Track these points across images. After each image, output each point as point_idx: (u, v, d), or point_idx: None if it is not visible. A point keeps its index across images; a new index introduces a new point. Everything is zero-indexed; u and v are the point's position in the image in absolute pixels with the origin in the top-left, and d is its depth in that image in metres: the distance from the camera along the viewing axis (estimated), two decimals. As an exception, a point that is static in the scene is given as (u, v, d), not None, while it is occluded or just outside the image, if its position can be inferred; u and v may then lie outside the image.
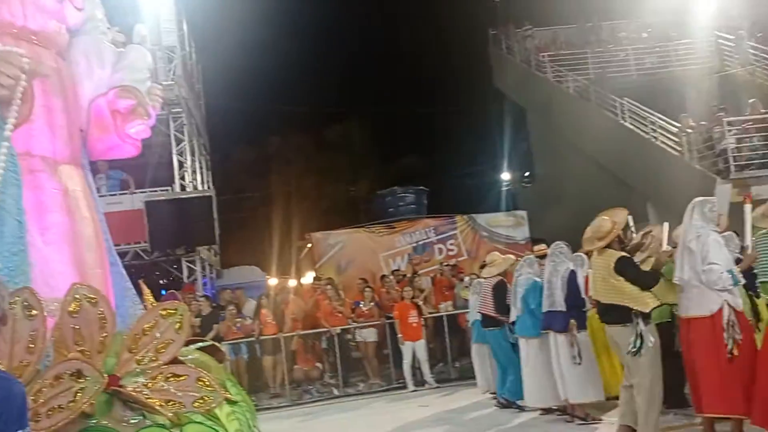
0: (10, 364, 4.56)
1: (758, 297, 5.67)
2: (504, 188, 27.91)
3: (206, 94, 19.91)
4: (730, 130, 13.28)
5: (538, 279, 7.13)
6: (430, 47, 27.48)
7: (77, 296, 5.19)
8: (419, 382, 10.68)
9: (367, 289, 11.62)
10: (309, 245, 16.20)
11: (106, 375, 4.80)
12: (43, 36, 6.77)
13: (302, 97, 27.31)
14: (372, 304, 11.37)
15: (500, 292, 7.84)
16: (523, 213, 16.52)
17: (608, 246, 5.84)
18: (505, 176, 28.10)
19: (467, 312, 10.12)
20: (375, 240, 15.54)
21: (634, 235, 6.80)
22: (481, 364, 9.04)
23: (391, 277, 12.21)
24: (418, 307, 10.78)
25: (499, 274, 8.18)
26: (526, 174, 26.59)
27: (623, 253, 5.85)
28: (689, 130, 14.13)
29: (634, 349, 5.49)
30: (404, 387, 10.48)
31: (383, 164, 27.64)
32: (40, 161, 6.22)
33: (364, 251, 15.24)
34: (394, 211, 17.74)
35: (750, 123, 13.74)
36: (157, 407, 4.94)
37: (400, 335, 10.32)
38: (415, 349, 10.51)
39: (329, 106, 27.99)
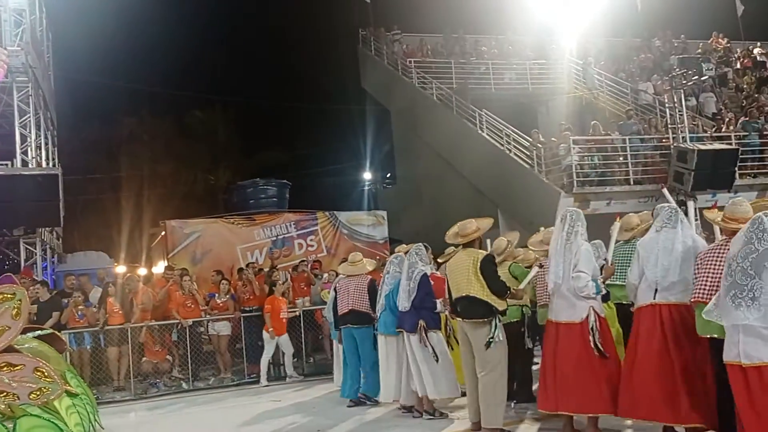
0: None
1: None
2: (366, 187, 28.41)
3: (56, 65, 18.56)
4: (574, 148, 14.39)
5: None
6: (302, 42, 27.39)
7: None
8: (278, 377, 10.62)
9: (224, 281, 11.35)
10: (162, 233, 15.53)
11: None
12: None
13: (164, 79, 26.18)
14: (227, 296, 11.13)
15: (374, 290, 7.98)
16: (383, 213, 16.88)
17: (470, 245, 6.17)
18: (367, 176, 28.61)
19: (323, 308, 10.22)
20: (234, 231, 15.22)
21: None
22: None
23: (249, 270, 12.01)
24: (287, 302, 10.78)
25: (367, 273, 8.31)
26: (388, 175, 27.24)
27: (488, 253, 6.22)
28: (539, 145, 15.15)
29: (487, 342, 5.85)
30: (257, 382, 10.35)
31: (246, 155, 27.11)
32: None
33: (222, 242, 14.89)
34: (255, 203, 17.49)
35: (592, 142, 14.99)
36: None
37: (271, 329, 10.14)
38: (280, 344, 10.42)
39: (193, 91, 27.04)
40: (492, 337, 5.87)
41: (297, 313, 11.08)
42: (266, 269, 13.12)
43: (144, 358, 10.47)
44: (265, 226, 15.42)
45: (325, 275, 12.24)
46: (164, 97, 25.85)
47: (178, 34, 26.29)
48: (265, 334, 10.26)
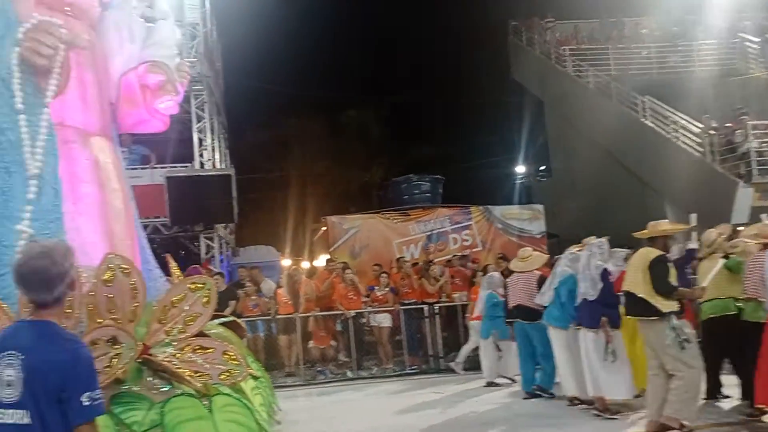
0: None
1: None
2: (519, 181, 27.86)
3: (225, 72, 19.95)
4: (753, 133, 13.20)
5: (573, 273, 7.17)
6: (451, 37, 27.37)
7: (111, 266, 5.30)
8: (438, 369, 10.75)
9: (383, 274, 11.67)
10: (323, 228, 16.25)
11: (140, 343, 4.90)
12: (77, 7, 6.81)
13: (321, 81, 27.30)
14: (387, 289, 11.43)
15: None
16: (539, 207, 16.48)
17: (653, 242, 6.02)
18: (521, 169, 28.05)
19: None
20: (389, 226, 15.57)
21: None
22: (489, 355, 9.19)
23: (408, 261, 12.24)
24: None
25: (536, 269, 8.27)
26: (542, 168, 26.54)
27: (661, 254, 5.94)
28: (711, 132, 14.05)
29: (678, 342, 5.59)
30: (418, 373, 10.57)
31: (399, 152, 27.62)
32: (73, 132, 6.28)
33: (378, 237, 15.29)
34: (408, 199, 17.76)
35: (774, 127, 13.68)
36: (187, 377, 5.03)
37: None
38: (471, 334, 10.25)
39: (348, 91, 28.01)
40: (677, 337, 5.60)
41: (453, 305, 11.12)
42: (421, 263, 13.31)
43: (311, 344, 11.02)
44: (420, 221, 15.62)
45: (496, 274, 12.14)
46: (321, 99, 26.99)
47: (332, 36, 27.35)
48: (474, 324, 9.94)
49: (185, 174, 13.15)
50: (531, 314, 7.94)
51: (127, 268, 5.34)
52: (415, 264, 12.99)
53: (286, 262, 16.81)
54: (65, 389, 2.37)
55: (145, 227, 13.04)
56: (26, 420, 2.36)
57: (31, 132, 5.27)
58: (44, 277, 2.46)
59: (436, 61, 28.76)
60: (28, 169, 5.21)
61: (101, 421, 2.60)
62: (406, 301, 11.35)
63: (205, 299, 5.71)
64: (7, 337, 2.49)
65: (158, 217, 13.09)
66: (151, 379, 5.03)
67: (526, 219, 15.86)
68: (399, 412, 7.96)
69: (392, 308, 11.23)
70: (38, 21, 5.46)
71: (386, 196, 19.80)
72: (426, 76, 27.66)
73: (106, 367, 4.49)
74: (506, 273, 9.26)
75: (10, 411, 2.36)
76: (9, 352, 2.40)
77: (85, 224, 5.87)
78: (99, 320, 5.01)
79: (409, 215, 15.85)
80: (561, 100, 20.12)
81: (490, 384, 9.13)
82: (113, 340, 4.67)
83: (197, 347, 5.46)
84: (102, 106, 6.78)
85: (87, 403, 2.39)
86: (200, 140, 14.30)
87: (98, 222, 6.06)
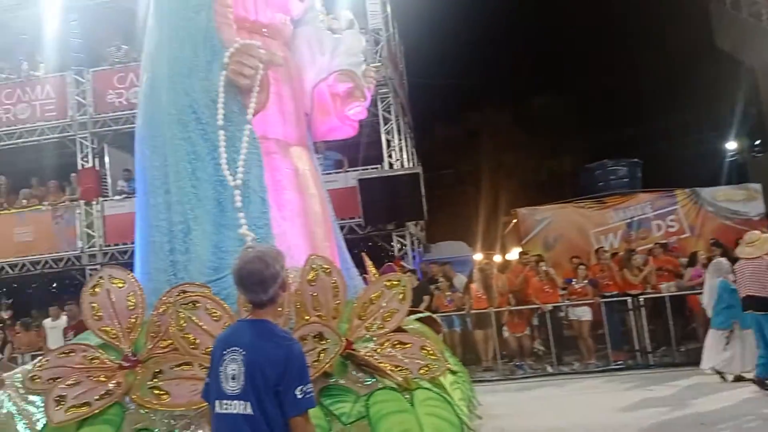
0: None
1: None
2: (729, 159, 25.21)
3: (408, 72, 20.34)
4: None
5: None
6: (642, 8, 25.48)
7: (314, 266, 5.62)
8: (646, 365, 10.09)
9: (581, 266, 11.19)
10: (514, 221, 15.97)
11: (344, 338, 5.14)
12: (272, 28, 7.32)
13: (504, 71, 26.81)
14: (585, 281, 10.94)
15: None
16: (756, 186, 14.81)
17: None
18: (731, 145, 25.35)
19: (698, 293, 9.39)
20: (584, 216, 14.90)
21: None
22: (715, 345, 8.44)
23: (607, 252, 11.62)
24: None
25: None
26: (757, 142, 23.83)
27: None
28: None
29: None
30: (623, 369, 9.99)
31: (590, 137, 26.33)
32: (274, 144, 6.78)
33: (573, 227, 14.70)
34: (604, 185, 16.87)
35: None
36: (389, 371, 5.19)
37: None
38: None
39: (530, 79, 27.26)
40: None
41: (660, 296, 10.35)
42: (621, 253, 12.56)
43: (506, 333, 10.85)
44: (618, 208, 14.77)
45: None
46: (503, 89, 26.53)
47: (512, 24, 26.71)
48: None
49: (376, 175, 13.63)
50: (762, 304, 7.25)
51: (328, 268, 5.65)
52: (614, 254, 12.29)
53: (477, 257, 16.77)
54: (281, 383, 2.55)
55: (341, 228, 13.78)
56: (249, 410, 2.56)
57: (232, 146, 5.80)
58: (259, 279, 2.68)
59: (627, 35, 26.92)
60: (229, 181, 5.66)
61: (312, 412, 2.76)
62: (607, 294, 10.77)
63: (400, 296, 5.87)
64: (230, 335, 2.75)
65: (353, 218, 13.71)
66: (355, 372, 5.26)
67: (741, 200, 14.34)
68: (608, 409, 7.57)
69: (592, 301, 10.72)
70: (240, 45, 5.97)
71: (579, 184, 18.97)
72: (616, 53, 25.95)
73: (315, 361, 4.77)
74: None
75: (235, 402, 2.58)
76: (232, 348, 2.64)
77: (289, 229, 6.32)
78: (306, 317, 5.35)
79: (605, 203, 15.06)
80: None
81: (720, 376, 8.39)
82: (319, 336, 4.94)
83: (396, 342, 5.63)
84: (299, 117, 7.26)
85: (300, 396, 2.56)
86: (388, 141, 14.72)
87: (300, 226, 6.50)
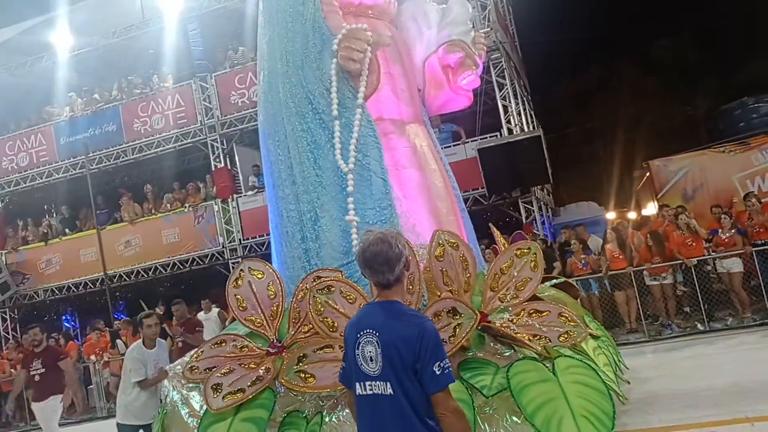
0: None
1: None
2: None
3: (519, 33, 19.73)
4: None
5: None
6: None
7: (440, 242, 5.64)
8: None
9: (724, 216, 10.43)
10: (647, 174, 15.14)
11: (477, 311, 5.13)
12: (377, 9, 7.36)
13: (621, 18, 25.30)
14: (733, 231, 10.18)
15: None
16: None
17: None
18: None
19: None
20: (726, 161, 13.84)
21: None
22: None
23: (754, 199, 10.73)
24: None
25: None
26: None
27: None
28: None
29: None
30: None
31: (724, 76, 24.33)
32: (390, 124, 6.84)
33: (713, 174, 13.70)
34: (745, 126, 15.59)
35: None
36: (527, 341, 5.12)
37: None
38: None
39: (654, 21, 25.53)
40: None
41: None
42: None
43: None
44: (764, 148, 13.59)
45: None
46: (624, 37, 25.05)
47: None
48: None
49: (495, 143, 13.39)
50: None
51: (455, 242, 5.65)
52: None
53: (610, 216, 16.09)
54: (417, 361, 2.58)
55: (465, 200, 13.73)
56: (389, 390, 2.61)
57: (348, 132, 5.93)
58: (385, 259, 2.73)
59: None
60: (342, 167, 5.87)
61: (453, 387, 2.79)
62: (759, 242, 9.97)
63: (532, 263, 5.77)
64: (362, 318, 2.80)
65: (476, 189, 13.59)
66: (493, 344, 5.24)
67: None
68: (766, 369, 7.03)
69: (742, 251, 9.97)
70: (347, 30, 6.05)
71: (717, 128, 17.63)
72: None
73: (451, 336, 4.80)
74: None
75: (376, 383, 2.64)
76: (366, 330, 2.69)
77: (412, 207, 6.38)
78: (437, 294, 5.39)
79: (749, 144, 13.89)
80: None
81: None
82: (453, 311, 4.97)
83: (532, 311, 5.54)
84: (412, 94, 7.25)
85: (438, 372, 2.57)
86: (504, 107, 14.40)
87: (423, 203, 6.54)
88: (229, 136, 16.12)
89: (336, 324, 5.13)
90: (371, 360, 2.64)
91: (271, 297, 5.66)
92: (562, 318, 5.47)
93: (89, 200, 16.66)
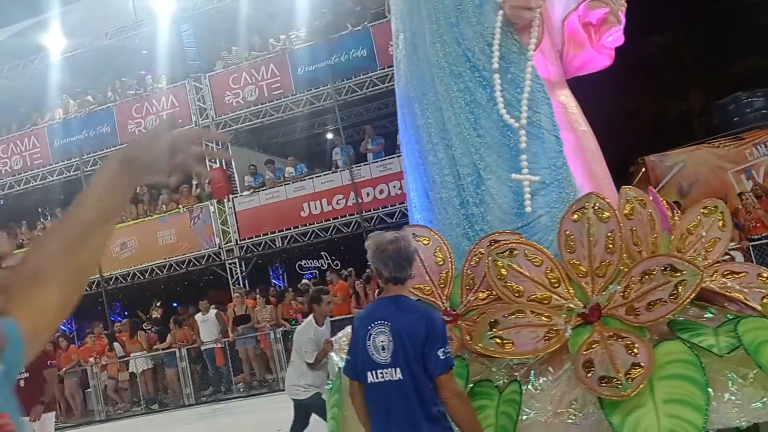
0: (591, 265, 4.79)
1: None
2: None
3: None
4: None
5: None
6: None
7: (629, 198, 5.12)
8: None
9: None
10: (642, 170, 15.18)
11: (701, 268, 4.58)
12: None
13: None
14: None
15: None
16: None
17: None
18: None
19: None
20: (720, 155, 13.90)
21: None
22: None
23: (749, 194, 10.78)
24: None
25: None
26: None
27: None
28: None
29: None
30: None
31: (717, 71, 24.36)
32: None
33: (709, 169, 13.76)
34: (739, 120, 15.63)
35: None
36: (745, 300, 4.72)
37: None
38: None
39: (648, 14, 25.53)
40: None
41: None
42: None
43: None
44: (758, 143, 13.65)
45: None
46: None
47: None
48: None
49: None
50: None
51: (642, 200, 5.19)
52: (759, 197, 11.37)
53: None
54: (425, 346, 2.84)
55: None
56: (399, 376, 2.86)
57: (513, 88, 5.56)
58: (407, 257, 3.03)
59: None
60: (512, 124, 5.45)
61: (677, 347, 3.12)
62: (754, 237, 10.03)
63: (720, 222, 5.28)
64: (372, 312, 3.09)
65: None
66: (689, 306, 4.76)
67: None
68: None
69: (739, 246, 10.01)
70: None
71: (711, 122, 17.69)
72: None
73: (672, 295, 4.42)
74: None
75: (387, 369, 2.89)
76: (377, 322, 2.95)
77: (572, 170, 5.98)
78: (624, 255, 4.82)
79: (743, 138, 13.96)
80: None
81: None
82: (671, 268, 4.53)
83: (726, 272, 5.06)
84: (555, 54, 6.93)
85: (442, 357, 2.85)
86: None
87: (581, 165, 6.10)
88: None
89: (522, 289, 4.79)
90: (383, 349, 2.88)
91: (440, 264, 5.30)
92: (761, 279, 5.09)
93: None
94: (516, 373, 4.58)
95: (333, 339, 6.06)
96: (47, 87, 17.27)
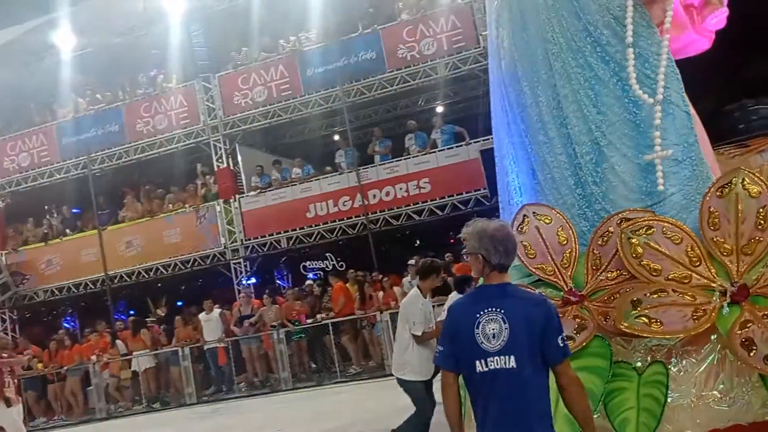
0: (737, 243, 4.61)
1: None
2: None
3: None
4: None
5: None
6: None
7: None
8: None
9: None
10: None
11: None
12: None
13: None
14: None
15: None
16: None
17: None
18: None
19: None
20: (726, 163, 13.63)
21: None
22: None
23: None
24: None
25: None
26: None
27: None
28: None
29: None
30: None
31: (724, 77, 24.35)
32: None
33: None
34: (745, 128, 15.53)
35: None
36: None
37: None
38: None
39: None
40: None
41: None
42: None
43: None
44: (764, 151, 13.59)
45: None
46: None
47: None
48: None
49: (498, 144, 13.39)
50: None
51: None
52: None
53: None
54: (544, 335, 2.82)
55: (467, 201, 13.80)
56: (512, 364, 2.80)
57: (643, 63, 5.38)
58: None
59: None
60: (645, 100, 5.24)
61: None
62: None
63: None
64: (479, 299, 2.98)
65: (478, 190, 13.63)
66: None
67: None
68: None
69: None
70: None
71: (717, 129, 17.62)
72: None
73: None
74: None
75: (497, 358, 2.82)
76: (488, 309, 2.88)
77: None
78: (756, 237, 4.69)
79: (748, 146, 13.90)
80: None
81: None
82: None
83: None
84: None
85: (561, 345, 2.84)
86: (507, 109, 14.41)
87: (701, 143, 5.93)
88: (232, 136, 16.15)
89: (660, 267, 4.64)
90: (493, 337, 2.82)
91: (562, 243, 5.14)
92: None
93: (90, 201, 16.68)
94: (657, 355, 4.41)
95: (440, 319, 5.92)
96: (57, 85, 17.35)
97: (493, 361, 2.81)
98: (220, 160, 16.13)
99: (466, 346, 2.89)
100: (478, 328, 2.85)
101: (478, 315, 2.86)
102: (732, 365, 4.22)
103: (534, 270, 5.16)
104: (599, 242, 4.96)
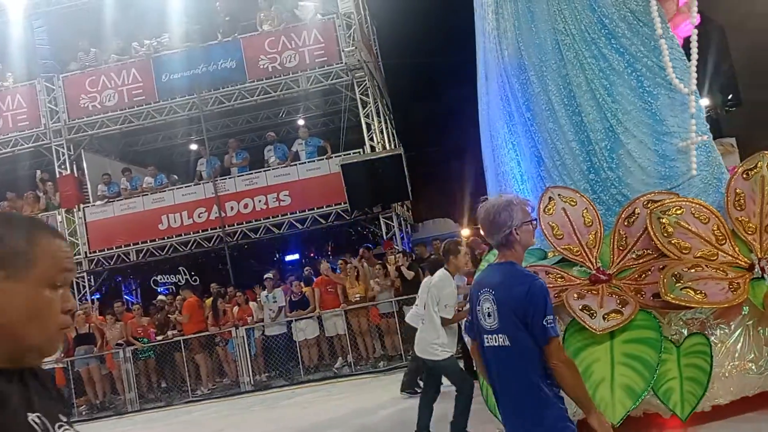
0: (761, 222, 4.91)
1: None
2: (704, 114, 25.29)
3: (382, 54, 20.20)
4: None
5: None
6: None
7: None
8: None
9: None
10: (499, 194, 16.00)
11: None
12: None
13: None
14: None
15: None
16: (731, 140, 14.97)
17: None
18: (704, 102, 25.44)
19: None
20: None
21: None
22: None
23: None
24: None
25: None
26: (729, 97, 23.95)
27: None
28: None
29: None
30: None
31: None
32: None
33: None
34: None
35: None
36: None
37: None
38: None
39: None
40: None
41: None
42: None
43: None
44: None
45: None
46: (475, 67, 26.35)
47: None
48: None
49: (358, 159, 13.60)
50: None
51: None
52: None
53: (464, 232, 16.83)
54: (527, 315, 2.79)
55: (327, 215, 13.85)
56: (506, 342, 2.86)
57: (653, 55, 5.57)
58: (493, 221, 2.88)
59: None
60: (681, 89, 5.44)
61: None
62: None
63: None
64: (483, 278, 3.03)
65: (338, 204, 13.71)
66: None
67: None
68: None
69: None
70: None
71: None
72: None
73: None
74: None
75: (493, 336, 2.90)
76: (485, 288, 2.93)
77: None
78: None
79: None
80: (742, 22, 17.97)
81: None
82: None
83: None
84: None
85: (546, 326, 2.80)
86: (368, 125, 14.68)
87: None
88: (76, 141, 15.11)
89: (689, 245, 4.84)
90: (489, 315, 2.89)
91: (588, 224, 5.30)
92: None
93: None
94: (692, 327, 4.63)
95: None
96: None
97: (491, 339, 2.91)
98: (62, 167, 15.02)
99: (476, 321, 3.02)
100: (479, 305, 2.96)
101: (479, 293, 2.96)
102: (761, 336, 4.56)
103: (561, 250, 5.36)
104: (625, 223, 5.20)
